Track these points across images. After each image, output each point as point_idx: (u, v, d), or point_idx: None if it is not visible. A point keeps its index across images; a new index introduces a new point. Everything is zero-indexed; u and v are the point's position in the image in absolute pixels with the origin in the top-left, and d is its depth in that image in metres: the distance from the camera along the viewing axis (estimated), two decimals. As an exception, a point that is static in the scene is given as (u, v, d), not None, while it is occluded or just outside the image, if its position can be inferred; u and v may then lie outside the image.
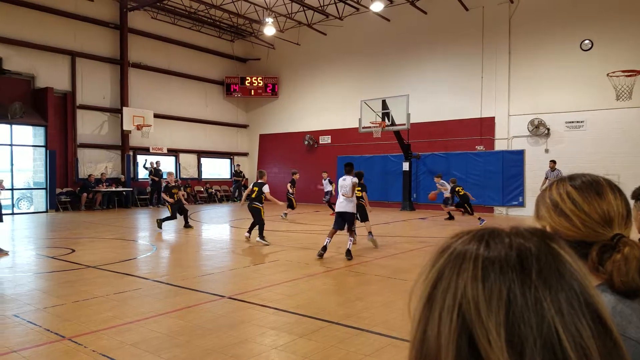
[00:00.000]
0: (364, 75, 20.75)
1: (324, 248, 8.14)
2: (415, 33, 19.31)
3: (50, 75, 17.71)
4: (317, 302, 5.48)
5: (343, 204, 8.31)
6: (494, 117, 17.55)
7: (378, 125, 17.20)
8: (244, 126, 25.55)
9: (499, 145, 17.46)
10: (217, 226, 13.70)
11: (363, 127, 17.77)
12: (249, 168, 25.31)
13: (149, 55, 20.93)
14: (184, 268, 7.82)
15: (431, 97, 18.60)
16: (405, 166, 18.18)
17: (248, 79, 24.24)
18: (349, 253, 8.17)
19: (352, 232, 8.38)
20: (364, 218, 9.60)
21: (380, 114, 17.30)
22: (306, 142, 22.49)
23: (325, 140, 22.18)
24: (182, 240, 11.01)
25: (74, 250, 8.91)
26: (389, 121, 17.11)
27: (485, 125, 17.69)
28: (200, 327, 4.70)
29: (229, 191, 24.17)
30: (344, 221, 8.28)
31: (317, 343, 4.18)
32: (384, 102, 17.29)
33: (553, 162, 14.58)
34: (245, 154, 25.60)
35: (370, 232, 9.44)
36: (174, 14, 20.95)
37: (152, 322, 4.84)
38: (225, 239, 11.37)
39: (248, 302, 5.45)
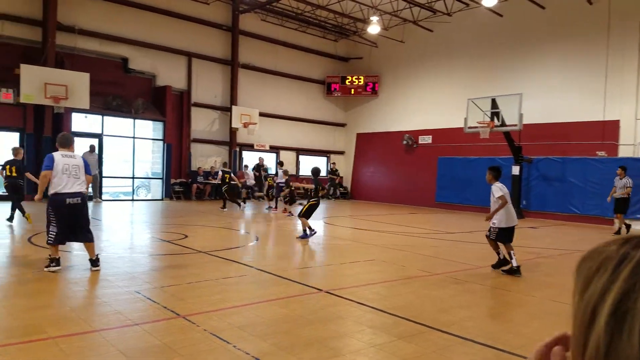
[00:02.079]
0: (471, 73, 19.87)
1: (501, 262, 7.14)
2: (531, 29, 18.07)
3: (169, 74, 19.30)
4: (416, 306, 5.34)
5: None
6: (618, 121, 15.85)
7: (486, 125, 16.31)
8: (342, 125, 25.80)
9: (624, 152, 15.72)
10: (312, 222, 13.97)
11: (469, 127, 16.96)
12: (345, 167, 25.51)
13: (257, 56, 21.95)
14: (283, 259, 8.09)
15: (546, 97, 17.28)
16: (515, 170, 17.02)
17: (349, 78, 24.42)
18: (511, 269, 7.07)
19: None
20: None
21: (489, 114, 16.38)
22: (405, 142, 22.11)
23: (426, 140, 21.62)
24: (280, 233, 11.39)
25: (186, 236, 9.61)
26: (498, 121, 16.17)
27: (608, 129, 16.03)
28: (300, 317, 4.81)
29: (324, 188, 24.56)
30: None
31: (416, 347, 4.06)
32: (493, 101, 16.34)
33: (623, 168, 12.72)
34: (341, 153, 25.85)
35: None
36: (282, 16, 21.74)
37: (256, 308, 5.05)
38: (319, 235, 11.56)
39: (345, 298, 5.46)
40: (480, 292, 6.34)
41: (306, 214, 9.68)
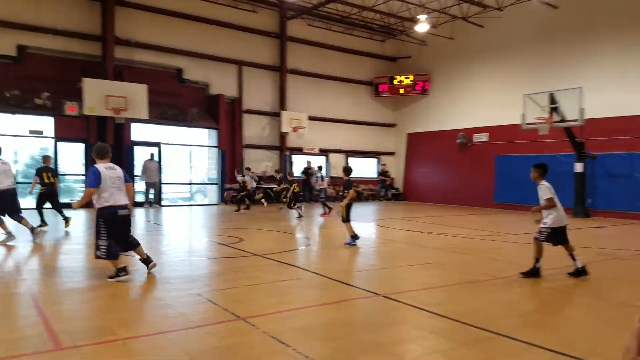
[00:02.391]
0: (526, 67, 19.09)
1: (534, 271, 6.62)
2: (588, 20, 17.15)
3: (221, 83, 19.84)
4: (480, 311, 5.14)
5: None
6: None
7: (545, 121, 15.57)
8: (391, 125, 25.50)
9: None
10: (364, 224, 13.87)
11: (527, 124, 16.26)
12: (395, 168, 25.18)
13: (304, 60, 22.13)
14: (337, 263, 8.06)
15: (607, 90, 16.29)
16: (578, 167, 16.12)
17: (397, 78, 24.13)
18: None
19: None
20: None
21: (547, 109, 15.63)
22: (459, 141, 21.52)
23: (481, 138, 20.94)
24: (332, 236, 11.38)
25: (242, 239, 9.80)
26: (557, 117, 15.40)
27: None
28: (358, 321, 4.76)
29: (375, 190, 24.37)
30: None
31: (481, 354, 3.91)
32: (551, 95, 15.57)
33: None
34: (391, 153, 25.55)
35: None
36: (328, 20, 21.83)
37: (313, 311, 5.06)
38: (372, 238, 11.45)
39: (403, 302, 5.35)
40: (546, 295, 6.04)
41: (348, 218, 9.38)
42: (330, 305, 5.26)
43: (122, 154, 17.05)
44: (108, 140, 16.75)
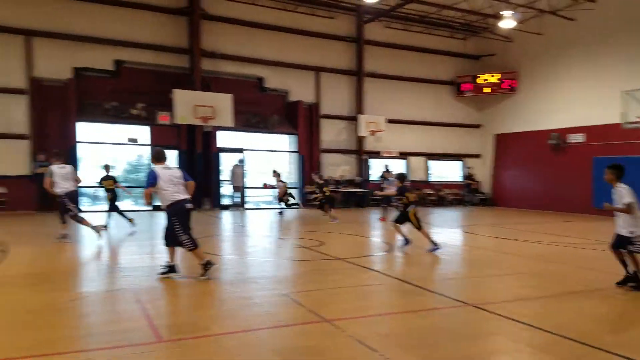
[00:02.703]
0: (623, 61, 17.41)
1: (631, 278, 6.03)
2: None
3: (300, 89, 20.26)
4: (580, 324, 4.75)
5: None
6: None
7: (648, 119, 14.17)
8: (476, 126, 24.49)
9: None
10: (449, 230, 13.42)
11: (628, 123, 14.84)
12: (482, 171, 24.14)
13: (382, 63, 21.97)
14: (421, 269, 7.86)
15: None
16: (688, 170, 14.46)
17: (481, 77, 23.16)
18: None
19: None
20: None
21: (651, 106, 14.20)
22: (551, 142, 20.09)
23: (577, 139, 19.41)
24: (414, 242, 11.12)
25: (323, 243, 9.89)
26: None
27: None
28: (446, 330, 4.59)
29: (459, 194, 23.53)
30: None
31: (586, 370, 3.60)
32: (656, 91, 14.15)
33: None
34: (476, 156, 24.52)
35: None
36: (406, 20, 21.51)
37: (398, 318, 4.96)
38: (457, 244, 11.04)
39: (495, 313, 5.08)
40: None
41: (419, 225, 9.02)
42: (416, 313, 5.13)
43: (210, 160, 17.96)
44: (197, 148, 17.74)
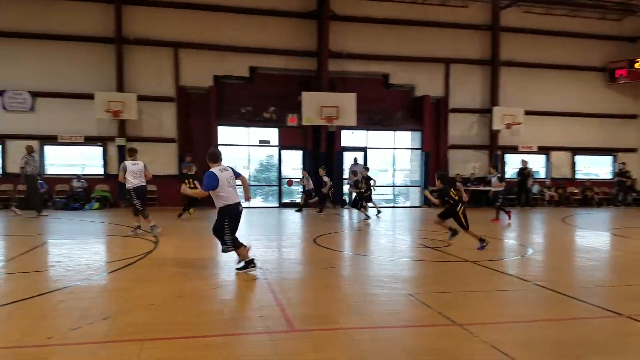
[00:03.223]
0: None
1: None
2: None
3: (427, 83, 19.67)
4: None
5: None
6: None
7: None
8: (632, 117, 21.51)
9: None
10: (596, 233, 11.99)
11: None
12: (638, 167, 21.15)
13: (519, 51, 20.37)
14: (563, 275, 7.13)
15: None
16: None
17: (639, 61, 20.24)
18: None
19: None
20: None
21: None
22: None
23: None
24: (556, 245, 10.14)
25: (450, 244, 9.50)
26: None
27: None
28: (595, 342, 4.11)
29: (609, 194, 20.90)
30: None
31: None
32: None
33: None
34: (632, 150, 21.54)
35: None
36: (548, 3, 19.66)
37: (539, 326, 4.56)
38: (606, 249, 9.81)
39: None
40: None
41: (467, 225, 8.65)
42: (559, 322, 4.67)
43: (333, 160, 18.38)
44: (321, 147, 18.28)
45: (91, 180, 17.14)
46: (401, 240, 10.19)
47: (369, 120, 18.86)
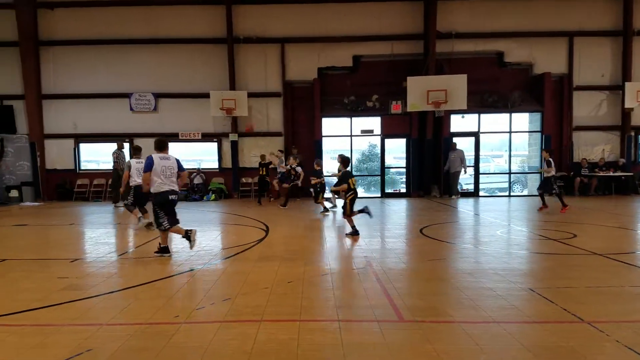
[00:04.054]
0: None
1: None
2: None
3: (547, 60, 18.03)
4: None
5: None
6: None
7: None
8: None
9: None
10: None
11: None
12: None
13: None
14: None
15: None
16: None
17: None
18: None
19: None
20: None
21: None
22: None
23: None
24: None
25: (575, 235, 8.67)
26: None
27: None
28: None
29: None
30: None
31: None
32: None
33: None
34: None
35: None
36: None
37: (689, 330, 3.96)
38: None
39: None
40: None
41: (351, 212, 8.93)
42: None
43: (441, 146, 17.72)
44: (427, 134, 17.70)
45: (208, 173, 18.47)
46: (518, 232, 9.51)
47: (481, 102, 17.86)
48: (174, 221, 7.15)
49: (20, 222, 9.95)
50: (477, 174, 18.35)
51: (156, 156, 6.98)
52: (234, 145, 18.15)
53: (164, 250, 7.20)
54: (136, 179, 9.84)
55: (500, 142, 19.27)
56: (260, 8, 18.02)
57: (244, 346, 3.67)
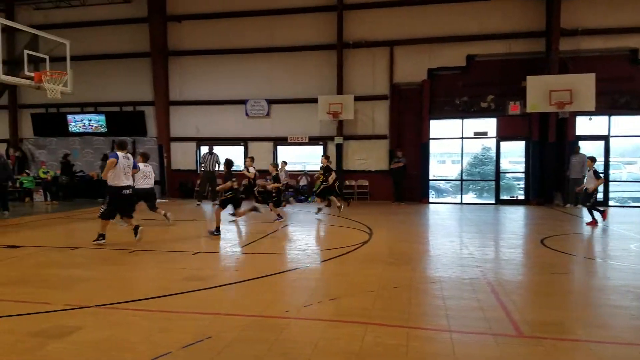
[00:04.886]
0: None
1: None
2: None
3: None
4: None
5: None
6: None
7: None
8: None
9: None
10: None
11: None
12: None
13: None
14: None
15: None
16: None
17: None
18: None
19: None
20: None
21: None
22: None
23: None
24: None
25: None
26: None
27: None
28: None
29: None
30: None
31: None
32: None
33: None
34: None
35: None
36: None
37: None
38: None
39: None
40: None
41: (223, 206, 9.67)
42: None
43: (565, 151, 16.26)
44: (549, 137, 16.37)
45: (313, 175, 18.90)
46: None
47: (611, 103, 16.09)
48: (128, 214, 8.30)
49: (148, 217, 11.01)
50: (606, 181, 16.51)
51: (120, 154, 8.01)
52: (339, 148, 18.37)
53: (101, 236, 8.14)
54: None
55: (634, 147, 17.25)
56: (370, 12, 18.05)
57: (351, 347, 3.66)
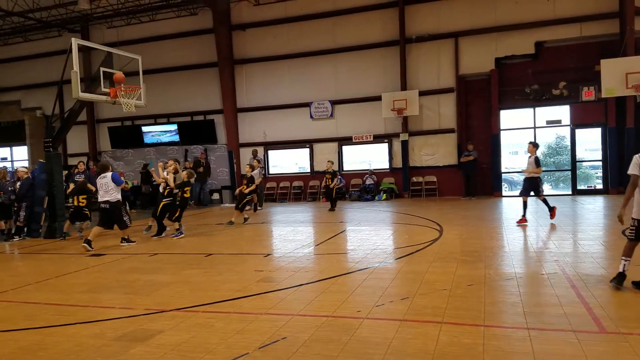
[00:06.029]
0: None
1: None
2: None
3: None
4: None
5: None
6: None
7: None
8: None
9: None
10: None
11: None
12: None
13: None
14: None
15: None
16: None
17: None
18: None
19: None
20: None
21: None
22: None
23: None
24: None
25: None
26: None
27: None
28: None
29: None
30: None
31: None
32: None
33: None
34: None
35: None
36: None
37: None
38: None
39: None
40: None
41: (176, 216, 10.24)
42: None
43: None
44: (627, 122, 15.25)
45: (378, 174, 18.84)
46: None
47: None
48: (107, 226, 9.32)
49: (220, 221, 11.52)
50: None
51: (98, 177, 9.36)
52: (404, 145, 18.17)
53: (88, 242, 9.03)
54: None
55: None
56: (432, 5, 17.71)
57: (426, 347, 3.67)
